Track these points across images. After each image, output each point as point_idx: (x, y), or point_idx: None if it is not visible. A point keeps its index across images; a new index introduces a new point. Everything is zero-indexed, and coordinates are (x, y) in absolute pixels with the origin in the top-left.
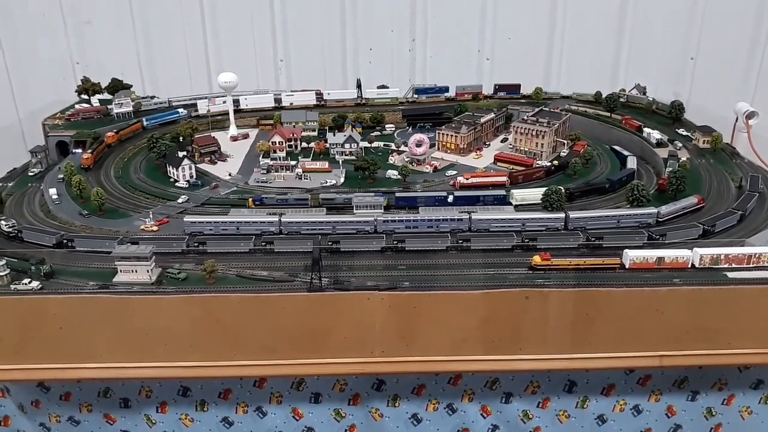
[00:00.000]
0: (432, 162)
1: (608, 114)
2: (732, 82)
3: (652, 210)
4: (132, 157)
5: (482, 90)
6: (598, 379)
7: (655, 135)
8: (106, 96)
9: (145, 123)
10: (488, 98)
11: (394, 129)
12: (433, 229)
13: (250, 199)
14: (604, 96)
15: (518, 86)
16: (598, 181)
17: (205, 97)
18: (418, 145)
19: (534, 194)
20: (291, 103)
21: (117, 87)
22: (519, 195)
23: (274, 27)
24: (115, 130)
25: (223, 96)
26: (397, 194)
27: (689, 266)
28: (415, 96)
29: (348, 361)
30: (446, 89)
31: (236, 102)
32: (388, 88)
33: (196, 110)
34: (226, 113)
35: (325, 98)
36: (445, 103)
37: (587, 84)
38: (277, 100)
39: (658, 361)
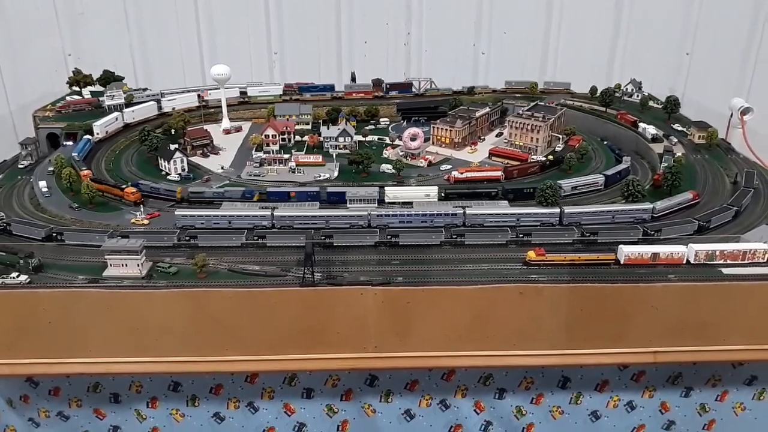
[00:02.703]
0: (426, 156)
1: (603, 109)
2: (727, 77)
3: (647, 205)
4: (123, 150)
5: (372, 90)
6: (591, 375)
7: (651, 130)
8: (98, 88)
9: (76, 157)
10: (378, 98)
11: (388, 123)
12: (427, 224)
13: (130, 184)
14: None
15: (410, 85)
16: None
17: (199, 90)
18: (413, 139)
19: (406, 192)
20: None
21: (109, 79)
22: (391, 192)
23: (269, 19)
24: (84, 167)
25: (216, 88)
26: (269, 189)
27: (684, 262)
28: (299, 94)
29: (341, 357)
30: (332, 87)
31: (243, 93)
32: (383, 81)
33: (96, 134)
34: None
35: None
36: (334, 102)
37: (583, 79)
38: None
39: (652, 357)
